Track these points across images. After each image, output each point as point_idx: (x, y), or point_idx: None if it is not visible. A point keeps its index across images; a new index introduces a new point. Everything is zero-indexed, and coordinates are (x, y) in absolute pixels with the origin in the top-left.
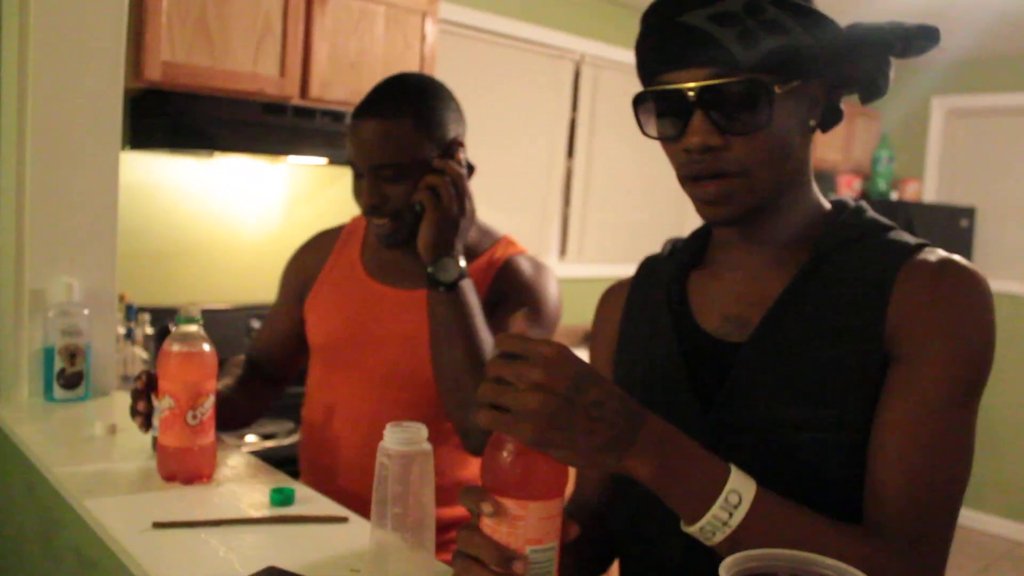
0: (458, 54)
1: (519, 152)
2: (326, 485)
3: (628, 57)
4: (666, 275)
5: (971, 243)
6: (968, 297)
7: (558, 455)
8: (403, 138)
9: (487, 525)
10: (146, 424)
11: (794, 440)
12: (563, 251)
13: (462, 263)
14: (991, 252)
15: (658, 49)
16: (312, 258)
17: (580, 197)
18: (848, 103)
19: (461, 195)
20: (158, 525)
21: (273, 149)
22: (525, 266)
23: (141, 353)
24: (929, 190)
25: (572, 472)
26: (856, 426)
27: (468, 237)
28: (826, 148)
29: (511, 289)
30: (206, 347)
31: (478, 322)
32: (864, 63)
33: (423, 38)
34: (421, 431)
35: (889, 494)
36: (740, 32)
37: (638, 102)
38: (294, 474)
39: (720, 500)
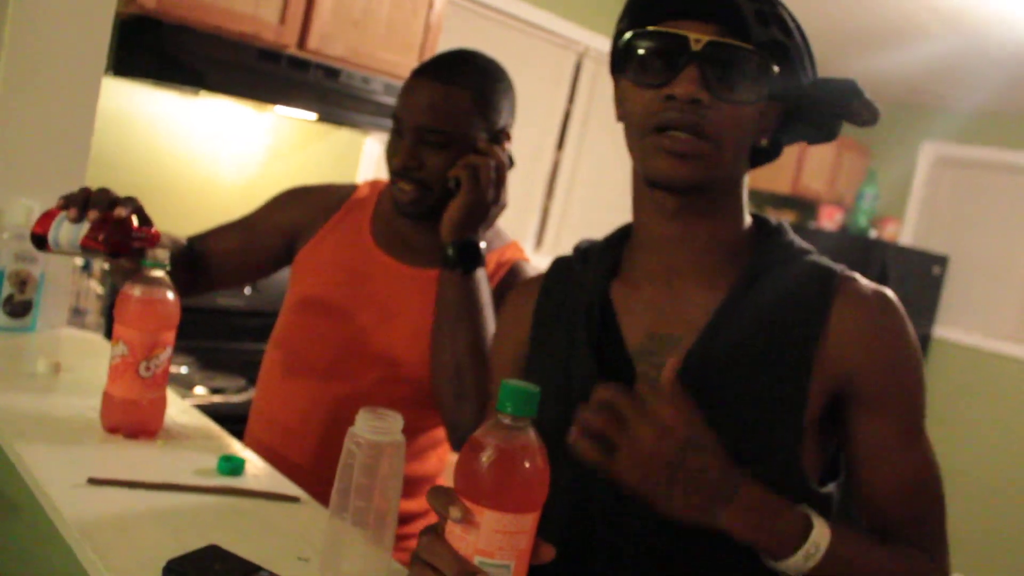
0: (463, 28)
1: (512, 141)
2: (273, 444)
3: None
4: (583, 282)
5: (940, 291)
6: (906, 327)
7: (654, 502)
8: (458, 108)
9: (452, 532)
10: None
11: None
12: (539, 241)
13: (483, 249)
14: (958, 303)
15: None
16: (312, 209)
17: (564, 190)
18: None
19: (500, 183)
20: (94, 481)
21: (262, 96)
22: (531, 274)
23: (97, 288)
24: (907, 232)
25: None
26: (782, 455)
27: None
28: (811, 177)
29: None
30: (169, 295)
31: (488, 312)
32: (819, 114)
33: (431, 5)
34: (396, 421)
35: (902, 521)
36: (758, 9)
37: (627, 41)
38: (241, 433)
39: (801, 552)
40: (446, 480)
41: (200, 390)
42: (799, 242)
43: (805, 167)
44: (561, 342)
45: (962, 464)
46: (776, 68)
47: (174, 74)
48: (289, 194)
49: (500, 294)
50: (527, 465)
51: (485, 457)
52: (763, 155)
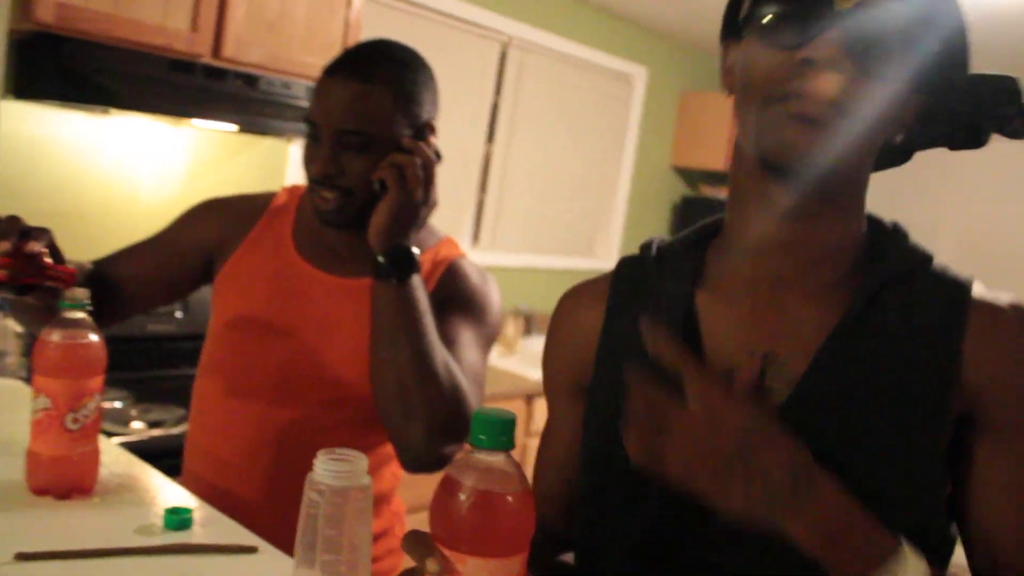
0: (383, 24)
1: (438, 131)
2: (216, 480)
3: (556, 43)
4: (660, 291)
5: None
6: None
7: (709, 501)
8: (377, 107)
9: None
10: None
11: None
12: (476, 238)
13: (417, 254)
14: None
15: None
16: (229, 223)
17: (497, 184)
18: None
19: (428, 181)
20: (23, 556)
21: (178, 110)
22: (471, 271)
23: (15, 326)
24: None
25: None
26: (930, 503)
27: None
28: (704, 153)
29: (456, 294)
30: (93, 337)
31: (428, 321)
32: (968, 115)
33: (349, 3)
34: (360, 462)
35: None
36: None
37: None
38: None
39: None
40: (401, 494)
41: (137, 425)
42: (921, 247)
43: (699, 140)
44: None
45: None
46: (933, 46)
47: (80, 93)
48: (203, 207)
49: (439, 296)
50: (510, 503)
51: (462, 499)
52: (893, 156)
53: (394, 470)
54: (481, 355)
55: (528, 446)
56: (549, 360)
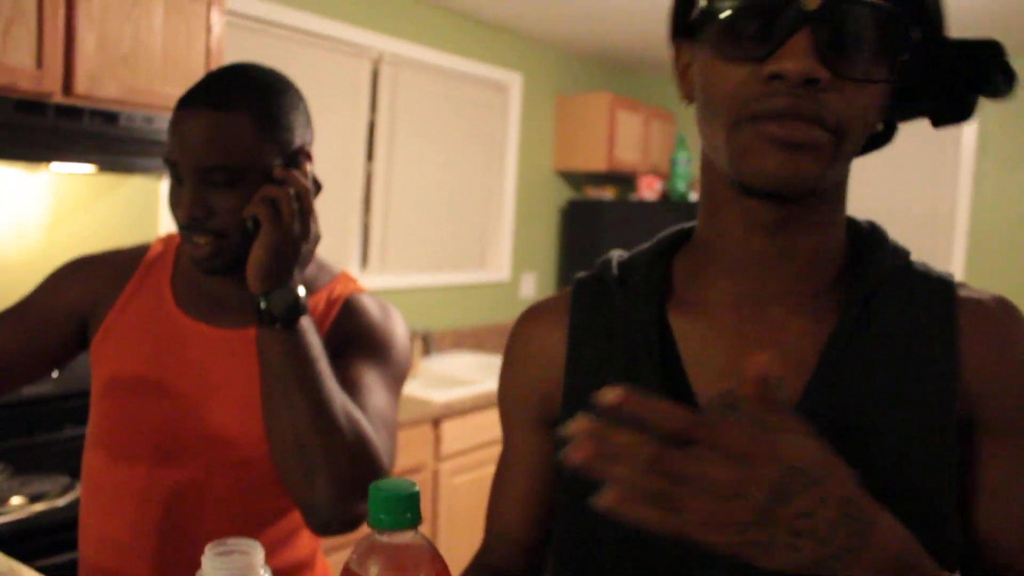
0: (248, 49)
1: (316, 156)
2: (108, 565)
3: (430, 56)
4: (627, 313)
5: None
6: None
7: (749, 560)
8: (238, 136)
9: None
10: None
11: None
12: (364, 261)
13: (302, 294)
14: None
15: None
16: (101, 282)
17: (381, 203)
18: (641, 105)
19: (305, 213)
20: None
21: (30, 155)
22: (371, 306)
23: None
24: None
25: None
26: (943, 517)
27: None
28: (624, 151)
29: (356, 332)
30: None
31: (322, 367)
32: (954, 86)
33: (208, 29)
34: (255, 553)
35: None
36: None
37: (718, 5)
38: (72, 543)
39: None
40: (322, 561)
41: (17, 500)
42: (898, 245)
43: (618, 141)
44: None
45: None
46: (914, 33)
47: None
48: (70, 268)
49: (337, 337)
50: None
51: None
52: (875, 140)
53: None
54: (389, 397)
55: (440, 471)
56: (509, 389)
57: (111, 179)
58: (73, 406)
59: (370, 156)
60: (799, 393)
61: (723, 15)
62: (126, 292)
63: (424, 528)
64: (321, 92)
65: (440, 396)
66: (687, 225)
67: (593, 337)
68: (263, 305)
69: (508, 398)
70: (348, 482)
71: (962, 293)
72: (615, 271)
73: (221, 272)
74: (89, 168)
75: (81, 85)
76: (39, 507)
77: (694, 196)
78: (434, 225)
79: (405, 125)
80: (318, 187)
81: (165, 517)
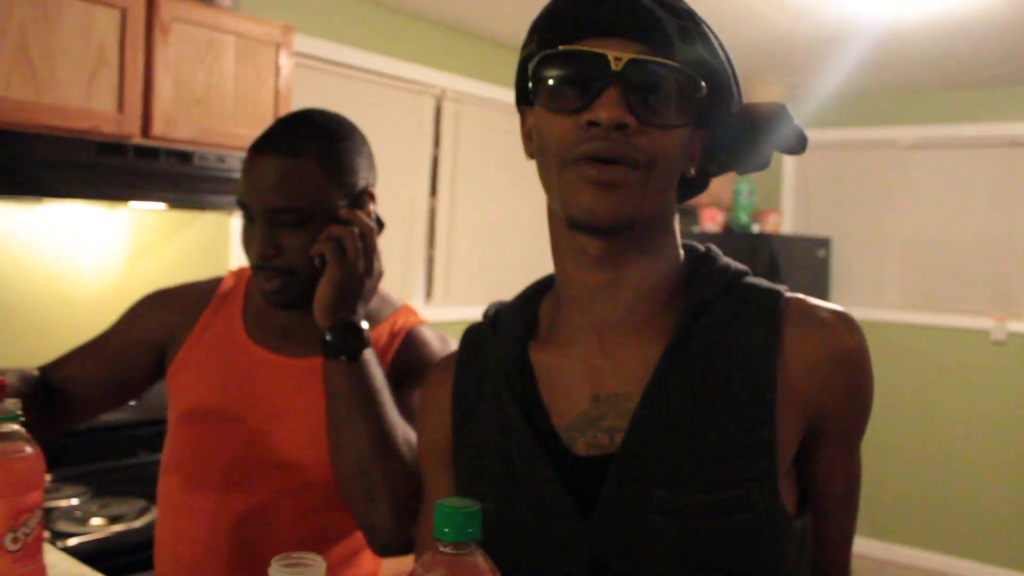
0: (315, 89)
1: (381, 191)
2: (182, 575)
3: (490, 92)
4: (498, 352)
5: (828, 272)
6: (864, 349)
7: None
8: (306, 180)
9: None
10: None
11: (702, 528)
12: (429, 294)
13: (365, 328)
14: (847, 280)
15: (587, 11)
16: (178, 314)
17: (444, 237)
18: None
19: (369, 251)
20: None
21: (111, 194)
22: (431, 338)
23: None
24: (787, 221)
25: None
26: (763, 500)
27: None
28: None
29: (417, 364)
30: (28, 450)
31: (385, 398)
32: (749, 142)
33: (277, 71)
34: (318, 565)
35: (839, 534)
36: (681, 27)
37: (539, 63)
38: (151, 561)
39: None
40: None
41: (97, 521)
42: (733, 265)
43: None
44: (490, 424)
45: (871, 436)
46: (704, 88)
47: (7, 184)
48: (148, 300)
49: (399, 367)
50: None
51: None
52: (691, 187)
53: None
54: None
55: None
56: (418, 437)
57: (185, 216)
58: (148, 433)
59: (433, 191)
60: (636, 406)
61: (549, 78)
62: (200, 324)
63: None
64: (385, 129)
65: None
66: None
67: (470, 378)
68: (329, 338)
69: (419, 446)
70: (407, 506)
71: (795, 305)
72: (491, 315)
73: (290, 307)
74: (162, 206)
75: (158, 127)
76: (117, 528)
77: (757, 228)
78: (497, 257)
79: (468, 159)
80: (381, 225)
81: (235, 538)
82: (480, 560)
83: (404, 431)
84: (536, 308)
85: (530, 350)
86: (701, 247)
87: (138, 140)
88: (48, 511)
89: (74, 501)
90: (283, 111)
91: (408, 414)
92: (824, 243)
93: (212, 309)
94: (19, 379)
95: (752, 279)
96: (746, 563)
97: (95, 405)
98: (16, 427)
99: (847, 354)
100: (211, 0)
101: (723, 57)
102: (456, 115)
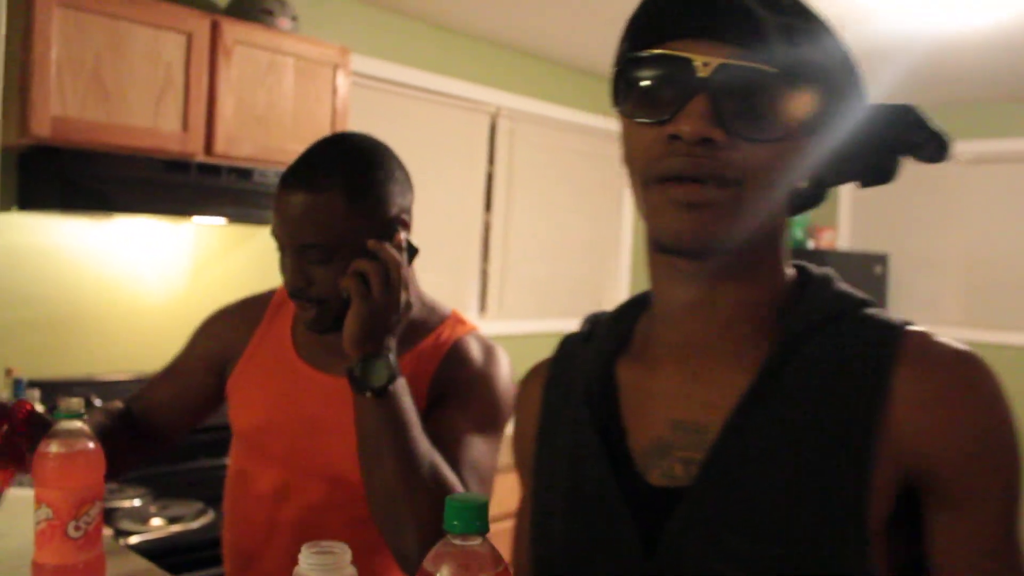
0: (371, 107)
1: (436, 207)
2: (246, 574)
3: (544, 109)
4: (586, 366)
5: (885, 289)
6: (995, 397)
7: None
8: (332, 215)
9: None
10: None
11: None
12: (483, 307)
13: (393, 362)
14: (904, 298)
15: (678, 10)
16: (235, 330)
17: (499, 251)
18: None
19: (395, 284)
20: None
21: (176, 209)
22: (474, 351)
23: None
24: (843, 237)
25: None
26: (848, 560)
27: (414, 313)
28: None
29: (458, 381)
30: (91, 445)
31: (414, 433)
32: (873, 151)
33: (335, 91)
34: (344, 554)
35: None
36: (785, 24)
37: (625, 69)
38: (207, 560)
39: None
40: None
41: (157, 522)
42: (851, 293)
43: None
44: (566, 442)
45: None
46: (810, 95)
47: (80, 200)
48: (208, 323)
49: (440, 382)
50: None
51: None
52: (805, 200)
53: None
54: (485, 447)
55: None
56: (513, 441)
57: (245, 230)
58: (207, 439)
59: (488, 206)
60: (716, 438)
61: (632, 85)
62: (254, 341)
63: None
64: (441, 146)
65: None
66: None
67: (559, 388)
68: (356, 374)
69: (514, 449)
70: (434, 536)
71: (913, 341)
72: (588, 326)
73: (326, 332)
74: (223, 220)
75: (220, 145)
76: (176, 528)
77: (812, 244)
78: (551, 272)
79: (522, 176)
80: (414, 251)
81: (292, 544)
82: (489, 553)
83: (432, 463)
84: (633, 323)
85: (619, 366)
86: (817, 270)
87: (201, 158)
88: (112, 510)
89: (136, 502)
90: (340, 129)
91: (445, 437)
92: (881, 259)
93: (264, 325)
94: (104, 415)
95: (872, 311)
96: None
97: (176, 428)
98: (79, 424)
99: (969, 402)
100: (272, 23)
101: (839, 57)
102: (511, 132)
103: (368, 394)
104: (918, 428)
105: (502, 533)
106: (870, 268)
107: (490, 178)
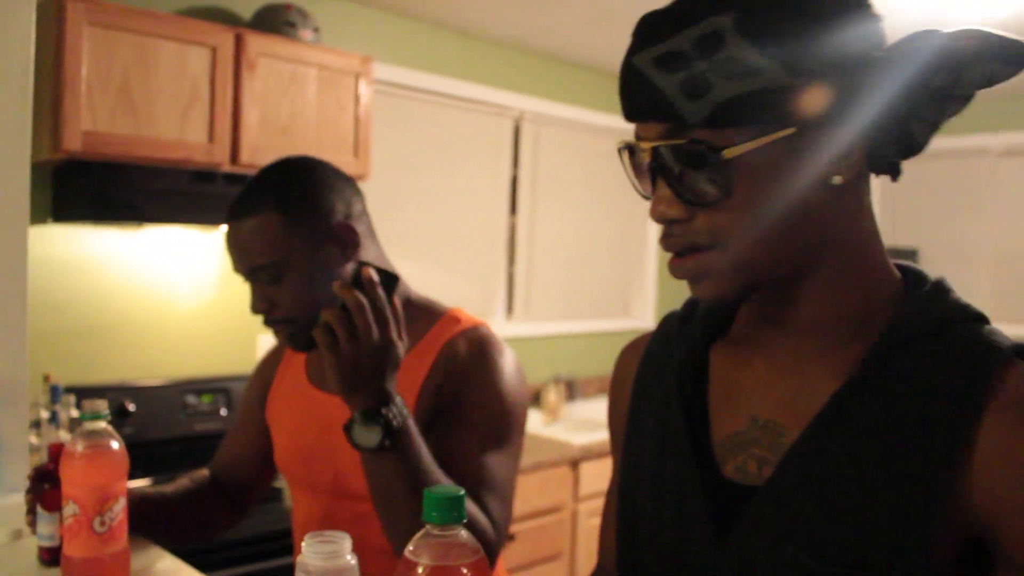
0: (394, 114)
1: (461, 211)
2: None
3: (568, 113)
4: (681, 349)
5: None
6: None
7: None
8: (269, 234)
9: None
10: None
11: None
12: (510, 310)
13: (392, 412)
14: None
15: (621, 95)
16: (269, 366)
17: (525, 254)
18: None
19: (365, 329)
20: None
21: (204, 218)
22: (466, 362)
23: (66, 438)
24: None
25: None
26: None
27: (408, 317)
28: None
29: (458, 391)
30: (114, 445)
31: (423, 477)
32: (891, 102)
33: (357, 99)
34: (344, 542)
35: None
36: (684, 80)
37: (620, 153)
38: (235, 559)
39: None
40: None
41: None
42: (965, 305)
43: None
44: (656, 423)
45: None
46: (745, 129)
47: (111, 211)
48: (255, 369)
49: (434, 394)
50: (464, 574)
51: (421, 574)
52: (879, 169)
53: None
54: (499, 458)
55: (578, 511)
56: (608, 418)
57: None
58: None
59: (513, 209)
60: (793, 442)
61: (628, 167)
62: (279, 371)
63: (562, 565)
64: (465, 151)
65: (579, 440)
66: None
67: (654, 366)
68: (350, 436)
69: (609, 424)
70: None
71: (1014, 375)
72: (689, 307)
73: (307, 349)
74: None
75: (245, 155)
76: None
77: None
78: (577, 274)
79: (546, 179)
80: (392, 280)
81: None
82: (466, 542)
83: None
84: (733, 309)
85: (713, 351)
86: (930, 278)
87: (227, 168)
88: None
89: None
90: (363, 137)
91: (453, 456)
92: (911, 254)
93: (287, 360)
94: (190, 481)
95: (985, 328)
96: None
97: (258, 476)
98: (103, 425)
99: None
100: (294, 35)
101: (763, 60)
102: (535, 136)
103: (365, 452)
104: (996, 481)
105: (535, 530)
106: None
107: (515, 182)
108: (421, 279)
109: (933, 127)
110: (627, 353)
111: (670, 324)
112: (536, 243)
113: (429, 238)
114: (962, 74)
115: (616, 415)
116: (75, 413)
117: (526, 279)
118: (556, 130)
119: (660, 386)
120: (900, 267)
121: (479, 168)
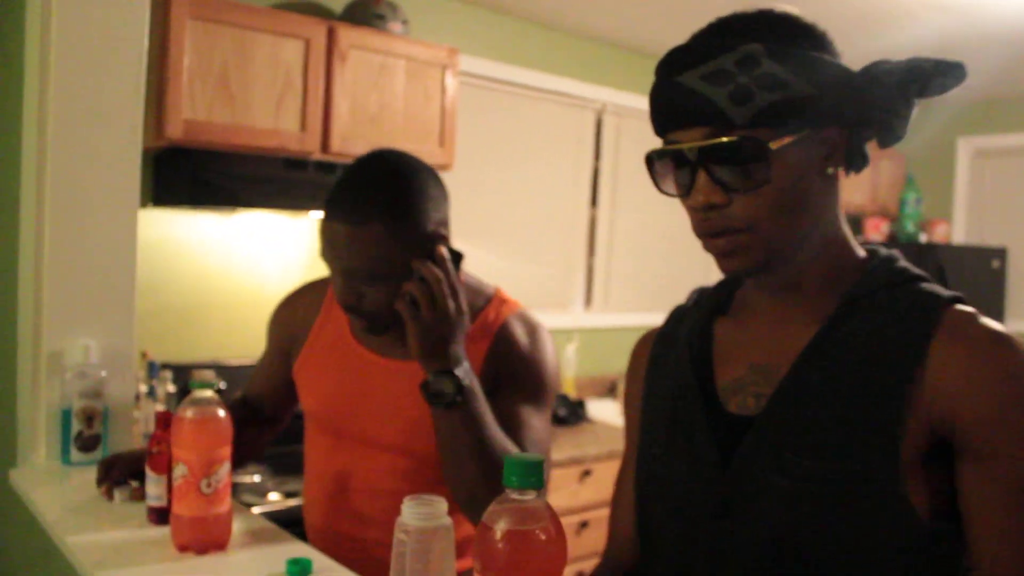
0: (479, 105)
1: (542, 202)
2: (325, 550)
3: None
4: (691, 325)
5: (1004, 284)
6: (1020, 379)
7: None
8: (374, 244)
9: None
10: (110, 494)
11: (820, 493)
12: (588, 301)
13: (461, 372)
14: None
15: (660, 109)
16: (299, 315)
17: (604, 246)
18: (870, 144)
19: (441, 300)
20: None
21: (295, 204)
22: (519, 335)
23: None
24: (958, 231)
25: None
26: (881, 481)
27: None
28: (852, 191)
29: (509, 366)
30: (220, 413)
31: (488, 433)
32: (876, 106)
33: (443, 91)
34: (441, 505)
35: None
36: (732, 90)
37: (651, 160)
38: None
39: None
40: None
41: (274, 496)
42: (912, 269)
43: (844, 182)
44: (669, 387)
45: None
46: (778, 128)
47: (208, 197)
48: (276, 312)
49: (493, 367)
50: (541, 539)
51: (498, 539)
52: (854, 165)
53: None
54: (543, 424)
55: None
56: (624, 396)
57: None
58: None
59: (594, 202)
60: (783, 377)
61: (659, 172)
62: (315, 327)
63: None
64: (547, 142)
65: None
66: None
67: (666, 342)
68: (427, 391)
69: (624, 407)
70: None
71: (953, 315)
72: (694, 297)
73: (382, 334)
74: None
75: (336, 144)
76: (292, 502)
77: (924, 238)
78: (654, 266)
79: (628, 171)
80: (458, 258)
81: (361, 510)
82: (543, 508)
83: (505, 453)
84: (732, 292)
85: (717, 324)
86: (884, 251)
87: (318, 156)
88: (235, 485)
89: (256, 478)
90: (449, 128)
91: (506, 421)
92: (999, 253)
93: (324, 313)
94: (240, 404)
95: (927, 285)
96: (859, 538)
97: (281, 410)
98: (211, 393)
99: (987, 372)
100: (384, 27)
101: (789, 76)
102: (617, 128)
103: (440, 406)
104: (946, 391)
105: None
106: (987, 262)
107: (596, 174)
108: (500, 268)
109: (906, 120)
110: (639, 344)
111: (679, 312)
112: (616, 235)
113: (510, 228)
114: (926, 83)
115: (632, 393)
116: (171, 388)
117: (605, 271)
118: (638, 123)
119: (672, 354)
120: (864, 245)
121: (561, 160)
